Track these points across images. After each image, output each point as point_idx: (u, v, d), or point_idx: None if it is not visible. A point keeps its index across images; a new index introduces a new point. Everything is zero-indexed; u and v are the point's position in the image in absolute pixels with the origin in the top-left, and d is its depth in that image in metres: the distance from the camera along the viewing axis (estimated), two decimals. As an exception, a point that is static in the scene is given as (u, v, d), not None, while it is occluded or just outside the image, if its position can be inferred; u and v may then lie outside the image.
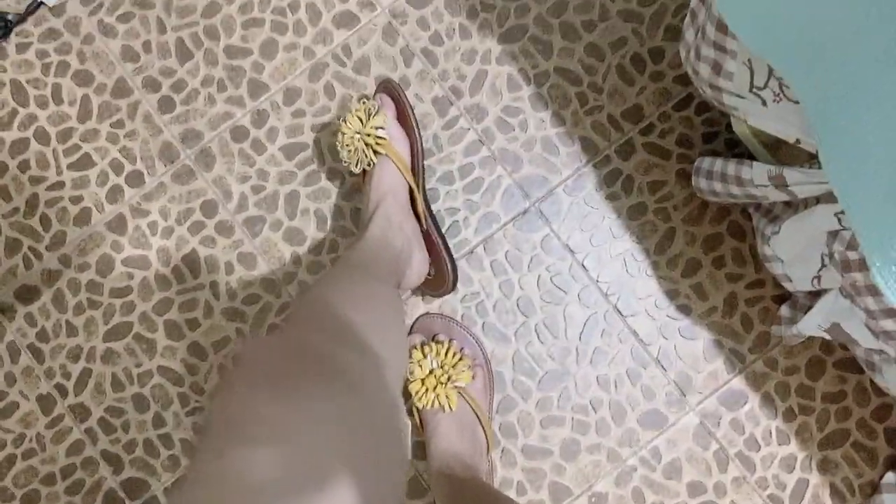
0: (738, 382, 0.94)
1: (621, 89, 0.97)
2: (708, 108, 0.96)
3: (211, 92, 0.99)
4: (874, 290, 0.62)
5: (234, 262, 0.97)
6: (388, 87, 0.91)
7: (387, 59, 0.98)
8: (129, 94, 0.99)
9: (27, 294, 0.98)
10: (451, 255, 0.90)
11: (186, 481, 0.40)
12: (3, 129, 0.99)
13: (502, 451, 0.94)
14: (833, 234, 0.66)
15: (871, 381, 0.93)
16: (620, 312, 0.95)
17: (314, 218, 0.97)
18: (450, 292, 0.91)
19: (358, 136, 0.85)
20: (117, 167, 0.99)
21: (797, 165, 0.70)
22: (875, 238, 0.50)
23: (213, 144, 0.99)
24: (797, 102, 0.61)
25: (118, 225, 0.98)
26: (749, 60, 0.62)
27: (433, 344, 0.89)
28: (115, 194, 0.98)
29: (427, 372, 0.87)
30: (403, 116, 0.90)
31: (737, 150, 0.94)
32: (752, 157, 0.89)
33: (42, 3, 0.99)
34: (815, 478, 0.93)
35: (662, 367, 0.94)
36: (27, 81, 1.00)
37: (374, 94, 0.93)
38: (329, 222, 0.97)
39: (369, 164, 0.86)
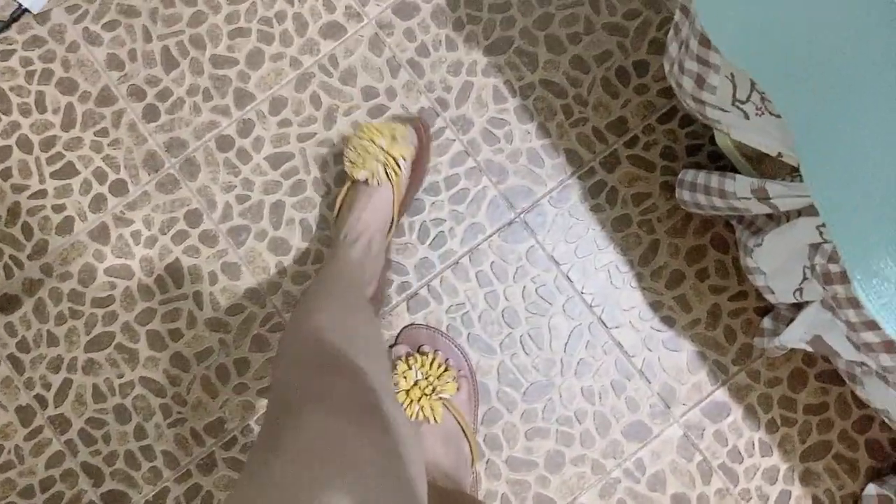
0: (722, 394, 0.94)
1: (606, 102, 0.98)
2: (692, 121, 0.96)
3: (196, 101, 0.99)
4: (855, 303, 0.62)
5: (218, 271, 0.97)
6: (422, 127, 0.92)
7: (373, 69, 0.98)
8: (114, 102, 0.99)
9: (8, 303, 0.96)
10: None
11: None
12: (-15, 136, 0.99)
13: (487, 462, 0.94)
14: (815, 247, 0.67)
15: (853, 393, 0.93)
16: (605, 324, 0.95)
17: (299, 228, 0.97)
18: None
19: (381, 150, 0.85)
20: (101, 176, 0.98)
21: (779, 178, 0.70)
22: (856, 251, 0.50)
23: (198, 154, 0.98)
24: (779, 116, 0.61)
25: (101, 234, 0.97)
26: (731, 74, 0.63)
27: (418, 355, 0.89)
28: (98, 203, 0.98)
29: (412, 384, 0.87)
30: (418, 159, 0.91)
31: (720, 162, 0.95)
32: (735, 170, 0.90)
33: (26, 10, 0.98)
34: (797, 489, 0.93)
35: (646, 378, 0.95)
36: (10, 89, 0.99)
37: (409, 122, 0.92)
38: (314, 232, 0.97)
39: (368, 180, 0.86)
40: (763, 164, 0.85)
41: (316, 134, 0.98)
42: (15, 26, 1.00)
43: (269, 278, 0.96)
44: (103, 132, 0.98)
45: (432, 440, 0.86)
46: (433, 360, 0.89)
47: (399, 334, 0.95)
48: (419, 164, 0.91)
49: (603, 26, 0.98)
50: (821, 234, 0.65)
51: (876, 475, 0.93)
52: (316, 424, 0.50)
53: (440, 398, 0.86)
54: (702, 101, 0.69)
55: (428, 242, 0.96)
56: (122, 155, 0.98)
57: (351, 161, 0.87)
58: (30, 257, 0.97)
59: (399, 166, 0.86)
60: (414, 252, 0.96)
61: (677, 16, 0.71)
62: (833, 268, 0.64)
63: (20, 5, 0.98)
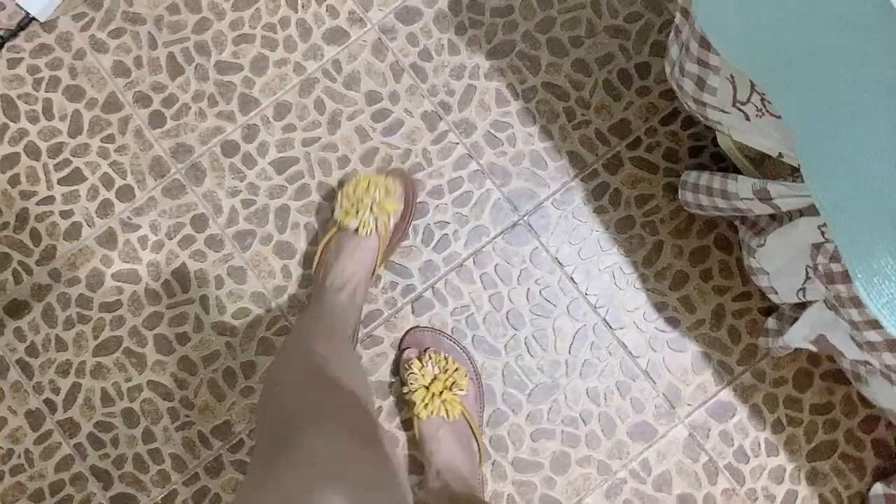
0: (727, 394, 0.95)
1: (608, 104, 0.98)
2: (694, 123, 0.97)
3: (202, 107, 1.00)
4: (858, 302, 0.62)
5: (225, 275, 0.97)
6: (411, 184, 0.94)
7: (376, 74, 0.99)
8: (121, 108, 1.00)
9: (17, 309, 0.97)
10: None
11: None
12: (-6, 144, 1.00)
13: (493, 464, 0.94)
14: (817, 247, 0.67)
15: (859, 393, 0.93)
16: (609, 325, 0.96)
17: (304, 232, 0.98)
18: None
19: (374, 202, 0.87)
20: (108, 182, 0.99)
21: (781, 179, 0.71)
22: (857, 250, 0.51)
23: (204, 159, 0.99)
24: (779, 117, 0.62)
25: (108, 239, 0.98)
26: (732, 76, 0.63)
27: (431, 353, 0.90)
28: (105, 209, 0.99)
29: (430, 380, 0.87)
30: (403, 214, 0.93)
31: (723, 163, 0.96)
32: (737, 171, 0.91)
33: (33, 18, 0.99)
34: (804, 489, 0.93)
35: (651, 379, 0.95)
36: (18, 97, 1.00)
37: (400, 177, 0.93)
38: (319, 236, 0.97)
39: (358, 230, 0.87)
40: (764, 165, 0.85)
41: (320, 138, 0.99)
42: (22, 34, 1.01)
43: (274, 282, 0.97)
44: (110, 138, 0.99)
45: (449, 441, 0.87)
46: (445, 357, 0.90)
47: (404, 337, 0.95)
48: (404, 220, 0.93)
49: (605, 29, 0.99)
50: (822, 233, 0.66)
51: (882, 474, 0.93)
52: (317, 439, 0.54)
53: (458, 393, 0.87)
54: (703, 103, 0.70)
55: (432, 245, 0.97)
56: (129, 161, 0.99)
57: (344, 209, 0.88)
58: (38, 263, 0.98)
59: (389, 220, 0.89)
60: (418, 255, 0.97)
61: (678, 18, 0.71)
62: (835, 267, 0.64)
63: (27, 14, 0.99)
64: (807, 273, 0.72)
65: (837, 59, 0.47)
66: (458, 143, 0.98)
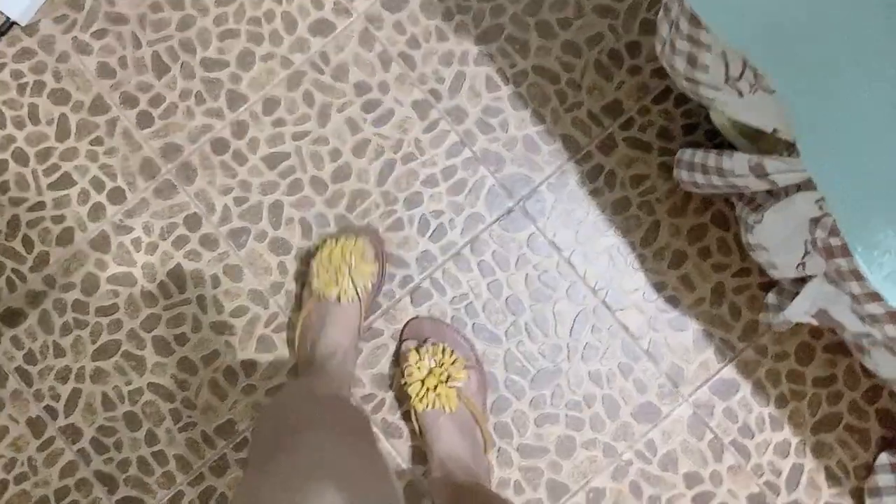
0: (730, 371, 0.94)
1: (600, 85, 0.97)
2: (686, 100, 0.96)
3: (189, 105, 0.99)
4: (858, 275, 0.62)
5: (220, 274, 0.97)
6: (378, 240, 0.94)
7: (365, 64, 0.98)
8: (107, 110, 0.99)
9: (12, 317, 0.97)
10: None
11: None
12: (-19, 151, 0.99)
13: (498, 451, 0.94)
14: (815, 221, 0.67)
15: (861, 364, 0.93)
16: (609, 307, 0.95)
17: (299, 227, 0.97)
18: None
19: (351, 269, 0.87)
20: (98, 185, 0.98)
21: (777, 154, 0.70)
22: (856, 224, 0.50)
23: (194, 157, 0.98)
24: (773, 92, 0.61)
25: (101, 243, 0.97)
26: (723, 52, 0.63)
27: (429, 345, 0.89)
28: (96, 212, 0.98)
29: (426, 373, 0.87)
30: (377, 276, 0.92)
31: (717, 140, 0.95)
32: (732, 147, 0.90)
33: (14, 23, 0.98)
34: (809, 462, 0.94)
35: (654, 359, 0.95)
36: (3, 102, 0.99)
37: (366, 236, 0.92)
38: (314, 230, 0.97)
39: (340, 297, 0.87)
40: (760, 141, 0.84)
41: (311, 132, 0.98)
42: (4, 39, 0.99)
43: (271, 279, 0.97)
44: (98, 141, 0.98)
45: (449, 431, 0.87)
46: (443, 348, 0.89)
47: (404, 328, 0.95)
48: (378, 277, 0.93)
49: (593, 9, 0.98)
50: (820, 207, 0.65)
51: (888, 444, 0.93)
52: (313, 439, 0.57)
53: (454, 386, 0.87)
54: (695, 81, 0.69)
55: (428, 235, 0.96)
56: (119, 163, 0.98)
57: (324, 281, 0.88)
58: (32, 270, 0.97)
59: (368, 283, 0.89)
60: (415, 245, 0.96)
61: (666, -5, 0.70)
62: (834, 241, 0.64)
63: (8, 18, 0.97)
64: (806, 248, 0.72)
65: (833, 32, 0.46)
66: (450, 131, 0.97)
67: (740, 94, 0.65)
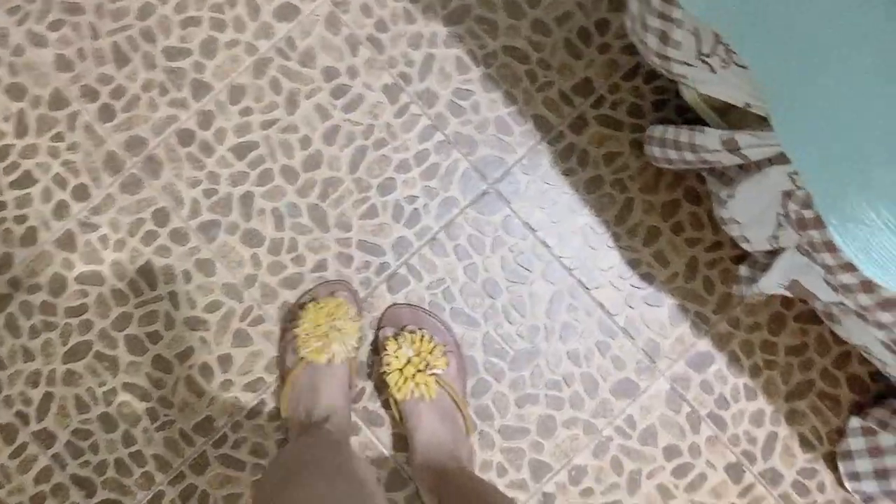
0: (705, 344, 0.96)
1: (570, 64, 0.97)
2: (656, 76, 0.96)
3: (152, 96, 0.96)
4: (831, 246, 0.63)
5: (192, 269, 0.95)
6: (350, 292, 0.93)
7: (332, 49, 0.96)
8: (67, 105, 0.96)
9: (-23, 321, 0.94)
10: None
11: None
12: (-66, 151, 0.95)
13: (480, 433, 0.95)
14: (787, 194, 0.67)
15: (831, 331, 0.95)
16: (585, 286, 0.96)
17: (271, 217, 0.96)
18: None
19: (338, 332, 0.86)
20: (61, 182, 0.95)
21: (747, 128, 0.71)
22: (830, 196, 0.51)
23: (160, 150, 0.96)
24: (745, 67, 0.61)
25: (67, 242, 0.95)
26: (695, 28, 0.63)
27: (406, 333, 0.89)
28: (61, 210, 0.95)
29: (404, 362, 0.87)
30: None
31: (687, 115, 0.96)
32: (702, 122, 0.91)
33: (-37, 15, 0.94)
34: (784, 430, 0.96)
35: (630, 336, 0.96)
36: (-45, 99, 0.95)
37: (341, 289, 0.92)
38: (287, 220, 0.95)
39: (329, 360, 0.86)
40: (730, 115, 0.85)
41: (279, 120, 0.96)
42: (-47, 33, 0.96)
43: (244, 271, 0.95)
44: (59, 137, 0.95)
45: (429, 417, 0.87)
46: (421, 336, 0.89)
47: (382, 316, 0.94)
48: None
49: (560, -13, 0.97)
50: (793, 181, 0.66)
51: (859, 409, 0.95)
52: (311, 481, 0.62)
53: (433, 374, 0.87)
54: (667, 58, 0.69)
55: (402, 221, 0.96)
56: (81, 158, 0.95)
57: (314, 348, 0.86)
58: (-5, 271, 0.94)
59: (356, 342, 0.89)
60: (389, 232, 0.95)
61: (636, -28, 0.70)
62: (807, 213, 0.65)
63: (-44, 11, 0.94)
64: (778, 221, 0.73)
65: (808, 4, 0.46)
66: (421, 115, 0.96)
67: (712, 69, 0.65)
